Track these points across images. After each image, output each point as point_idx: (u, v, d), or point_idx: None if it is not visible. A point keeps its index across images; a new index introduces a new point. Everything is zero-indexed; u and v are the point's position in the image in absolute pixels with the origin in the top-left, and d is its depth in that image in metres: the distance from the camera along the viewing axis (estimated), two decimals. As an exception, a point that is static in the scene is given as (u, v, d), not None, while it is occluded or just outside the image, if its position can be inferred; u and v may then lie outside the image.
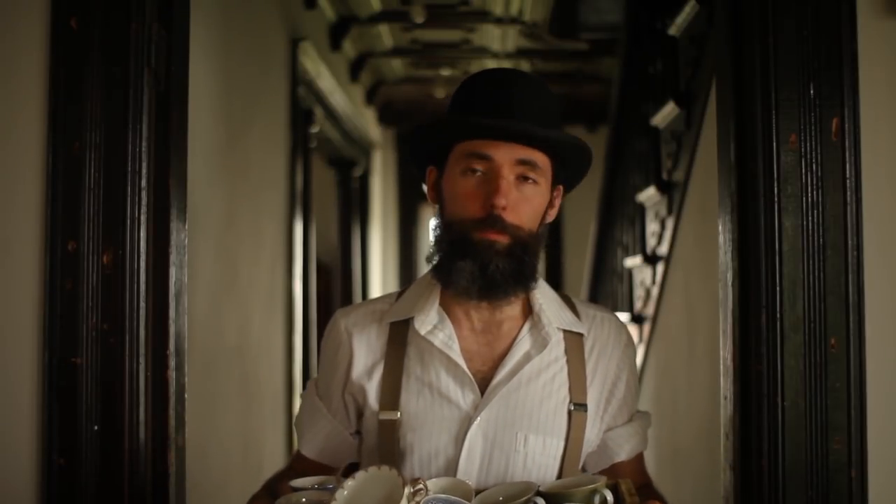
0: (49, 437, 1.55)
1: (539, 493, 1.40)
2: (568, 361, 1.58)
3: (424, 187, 1.63)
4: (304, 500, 1.40)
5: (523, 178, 1.49)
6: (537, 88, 1.53)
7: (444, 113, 1.61)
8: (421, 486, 1.33)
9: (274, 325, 4.23)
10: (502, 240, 1.48)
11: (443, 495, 1.37)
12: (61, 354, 1.55)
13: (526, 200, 1.50)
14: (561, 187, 1.60)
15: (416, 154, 1.63)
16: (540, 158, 1.50)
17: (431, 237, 1.59)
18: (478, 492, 1.44)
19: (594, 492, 1.39)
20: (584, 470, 1.64)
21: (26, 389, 1.57)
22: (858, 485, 1.56)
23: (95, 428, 1.56)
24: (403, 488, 1.29)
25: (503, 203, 1.46)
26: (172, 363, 1.63)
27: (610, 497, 1.39)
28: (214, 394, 3.25)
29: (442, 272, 1.52)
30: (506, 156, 1.47)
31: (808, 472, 1.56)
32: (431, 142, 1.58)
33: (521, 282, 1.52)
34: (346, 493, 1.34)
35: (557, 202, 1.60)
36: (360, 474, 1.36)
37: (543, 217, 1.56)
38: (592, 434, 1.59)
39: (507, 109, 1.48)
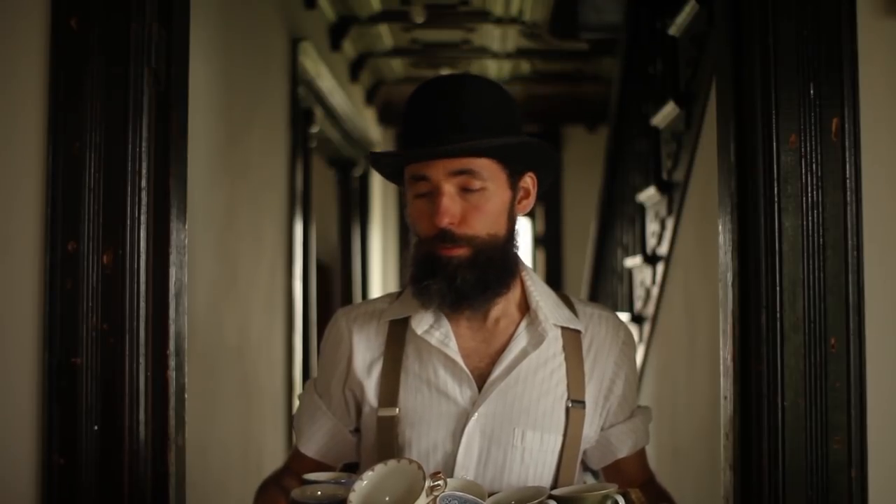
0: (49, 437, 1.55)
1: (551, 497, 1.41)
2: (566, 358, 1.59)
3: None
4: (319, 492, 1.40)
5: (466, 189, 1.48)
6: (478, 94, 1.51)
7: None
8: (440, 481, 1.34)
9: (274, 325, 4.23)
10: (462, 253, 1.49)
11: (459, 493, 1.38)
12: (61, 354, 1.55)
13: (475, 208, 1.49)
14: (532, 176, 1.59)
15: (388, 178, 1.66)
16: (480, 164, 1.48)
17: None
18: (489, 494, 1.45)
19: (606, 496, 1.39)
20: (583, 466, 1.65)
21: (26, 389, 1.57)
22: (858, 485, 1.56)
23: (95, 428, 1.56)
24: (424, 482, 1.30)
25: (445, 221, 1.47)
26: (172, 363, 1.63)
27: (622, 501, 1.39)
28: (214, 394, 3.25)
29: (416, 292, 1.54)
30: (440, 172, 1.47)
31: (808, 472, 1.56)
32: (382, 172, 1.62)
33: (489, 290, 1.52)
34: (364, 483, 1.34)
35: (532, 191, 1.59)
36: (379, 467, 1.37)
37: (511, 213, 1.55)
38: (591, 431, 1.60)
39: (437, 125, 1.47)
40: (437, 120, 1.48)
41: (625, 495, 1.42)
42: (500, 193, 1.52)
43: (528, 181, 1.58)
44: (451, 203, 1.47)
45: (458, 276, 1.49)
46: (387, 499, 1.34)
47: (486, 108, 1.51)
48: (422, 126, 1.50)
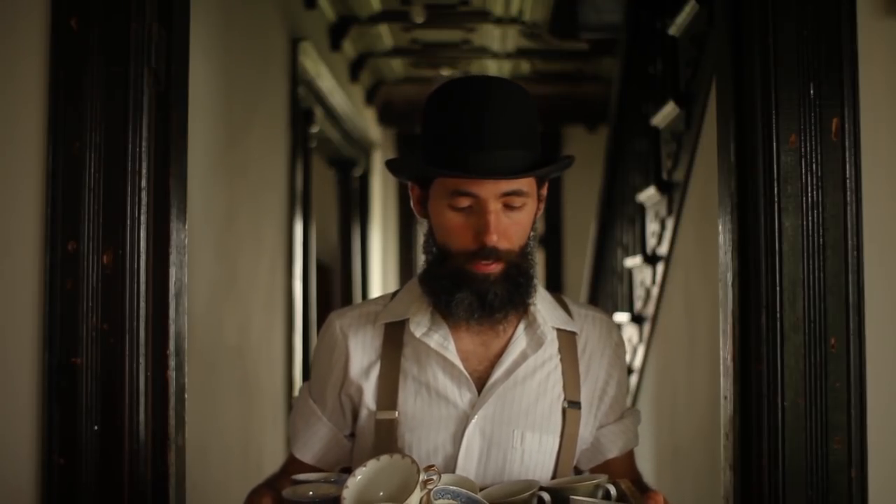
0: (49, 437, 1.55)
1: (543, 489, 1.41)
2: (562, 360, 1.59)
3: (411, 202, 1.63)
4: (311, 492, 1.40)
5: (510, 206, 1.48)
6: (513, 103, 1.48)
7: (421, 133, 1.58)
8: (434, 474, 1.35)
9: (274, 325, 4.23)
10: (496, 269, 1.49)
11: (452, 487, 1.39)
12: (61, 354, 1.55)
13: (515, 224, 1.50)
14: (546, 184, 1.60)
15: (396, 173, 1.65)
16: (525, 183, 1.49)
17: (422, 251, 1.59)
18: (480, 489, 1.45)
19: (597, 486, 1.40)
20: (577, 468, 1.66)
21: (26, 389, 1.57)
22: (858, 485, 1.56)
23: (95, 428, 1.56)
24: (419, 475, 1.30)
25: (494, 239, 1.46)
26: (172, 363, 1.63)
27: (613, 490, 1.40)
28: (214, 394, 3.25)
29: (440, 302, 1.53)
30: (490, 191, 1.46)
31: (808, 472, 1.56)
32: (410, 175, 1.58)
33: (520, 303, 1.53)
34: (358, 478, 1.34)
35: (544, 196, 1.60)
36: (371, 462, 1.37)
37: (534, 222, 1.56)
38: (586, 431, 1.60)
39: (484, 141, 1.44)
40: (478, 134, 1.45)
41: (615, 485, 1.43)
42: (532, 207, 1.53)
43: (542, 192, 1.59)
44: (498, 222, 1.47)
45: (490, 292, 1.49)
46: (381, 493, 1.34)
47: (522, 119, 1.49)
48: (462, 139, 1.46)
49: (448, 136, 1.48)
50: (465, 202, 1.47)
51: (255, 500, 1.42)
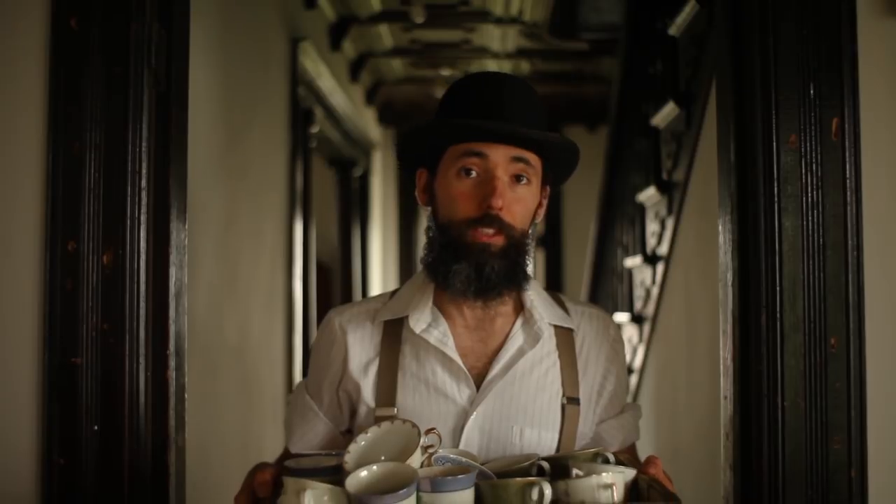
0: (49, 437, 1.55)
1: (542, 459, 1.43)
2: (560, 356, 1.60)
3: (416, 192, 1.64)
4: (312, 466, 1.41)
5: (517, 178, 1.51)
6: (525, 91, 1.55)
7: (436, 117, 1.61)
8: (435, 438, 1.36)
9: (274, 325, 4.23)
10: (497, 241, 1.50)
11: (452, 455, 1.40)
12: (61, 354, 1.55)
13: (519, 201, 1.52)
14: (548, 188, 1.63)
15: (405, 157, 1.64)
16: (532, 157, 1.52)
17: (425, 239, 1.60)
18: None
19: (596, 454, 1.42)
20: None
21: (26, 389, 1.57)
22: (858, 485, 1.56)
23: (95, 428, 1.56)
24: (419, 439, 1.32)
25: (500, 203, 1.48)
26: (172, 363, 1.63)
27: (612, 457, 1.41)
28: (214, 394, 3.25)
29: (438, 274, 1.54)
30: (501, 154, 1.49)
31: (808, 472, 1.56)
32: (424, 146, 1.59)
33: (514, 282, 1.55)
34: (361, 444, 1.36)
35: (545, 202, 1.62)
36: (373, 429, 1.39)
37: (533, 217, 1.58)
38: (586, 427, 1.61)
39: (499, 111, 1.50)
40: (497, 104, 1.50)
41: (613, 455, 1.44)
42: (536, 193, 1.56)
43: (544, 194, 1.62)
44: (504, 190, 1.50)
45: (488, 264, 1.50)
46: (382, 458, 1.35)
47: (532, 106, 1.55)
48: (477, 108, 1.51)
49: (463, 108, 1.52)
50: (475, 164, 1.50)
51: (258, 472, 1.42)
